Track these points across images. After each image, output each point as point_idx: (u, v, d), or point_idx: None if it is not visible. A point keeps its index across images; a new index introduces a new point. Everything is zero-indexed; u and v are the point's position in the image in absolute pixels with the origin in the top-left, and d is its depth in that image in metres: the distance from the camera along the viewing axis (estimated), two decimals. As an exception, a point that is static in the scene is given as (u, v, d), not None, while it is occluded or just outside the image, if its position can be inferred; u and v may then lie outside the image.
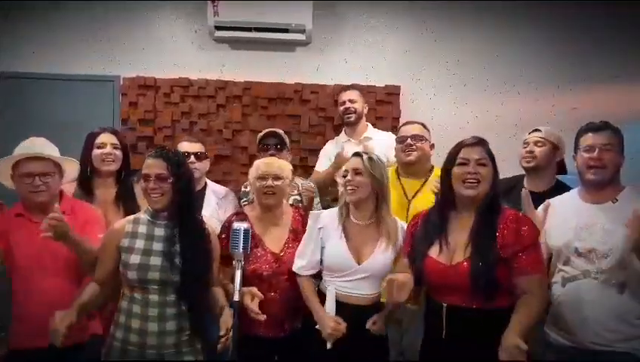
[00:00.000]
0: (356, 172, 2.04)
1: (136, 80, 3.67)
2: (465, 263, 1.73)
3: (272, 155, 2.62)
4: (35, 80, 3.59)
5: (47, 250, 2.02)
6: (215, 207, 2.60)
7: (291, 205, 2.42)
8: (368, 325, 1.96)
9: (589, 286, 1.90)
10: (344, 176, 2.06)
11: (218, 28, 3.54)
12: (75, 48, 3.67)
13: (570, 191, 2.13)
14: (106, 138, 2.47)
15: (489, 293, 1.68)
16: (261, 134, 2.85)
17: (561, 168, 2.54)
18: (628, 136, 2.02)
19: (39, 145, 2.10)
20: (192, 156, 2.66)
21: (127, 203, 2.38)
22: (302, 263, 2.09)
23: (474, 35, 3.79)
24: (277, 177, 2.21)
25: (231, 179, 3.49)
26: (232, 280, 1.84)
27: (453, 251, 1.78)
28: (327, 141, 3.40)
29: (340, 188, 2.14)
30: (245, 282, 1.99)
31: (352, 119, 3.22)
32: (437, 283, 1.79)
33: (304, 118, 3.73)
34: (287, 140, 2.82)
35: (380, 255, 2.02)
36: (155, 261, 1.88)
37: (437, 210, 1.89)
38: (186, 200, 1.95)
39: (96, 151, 2.44)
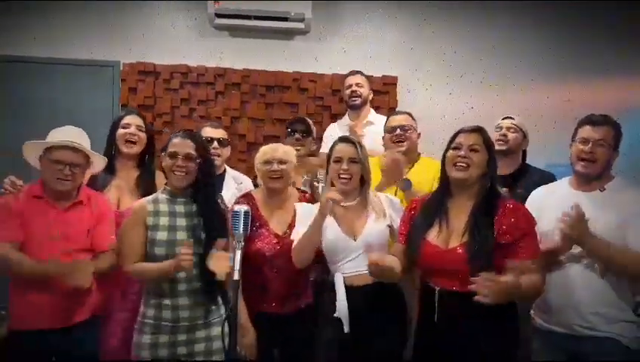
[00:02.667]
0: (352, 160, 2.06)
1: (135, 66, 3.68)
2: (461, 248, 1.74)
3: (297, 140, 2.73)
4: (35, 64, 3.58)
5: (61, 234, 2.04)
6: (235, 192, 2.62)
7: (299, 189, 2.43)
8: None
9: (574, 271, 1.93)
10: (336, 162, 2.07)
11: (218, 15, 3.56)
12: (75, 33, 3.67)
13: (562, 179, 2.18)
14: (131, 119, 2.47)
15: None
16: (290, 120, 2.93)
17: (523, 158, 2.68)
18: (624, 128, 2.06)
19: (76, 136, 2.12)
20: (215, 142, 2.69)
21: (146, 187, 2.37)
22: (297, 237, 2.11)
23: (471, 26, 3.82)
24: (282, 161, 2.24)
25: (229, 165, 3.36)
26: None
27: (450, 235, 1.79)
28: (325, 129, 3.42)
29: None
30: (249, 261, 2.05)
31: (357, 102, 3.23)
32: (432, 267, 1.80)
33: (302, 107, 3.73)
34: (314, 129, 2.89)
35: (373, 225, 2.04)
36: (181, 235, 1.95)
37: (435, 195, 1.90)
38: (206, 181, 2.03)
39: (120, 131, 2.44)
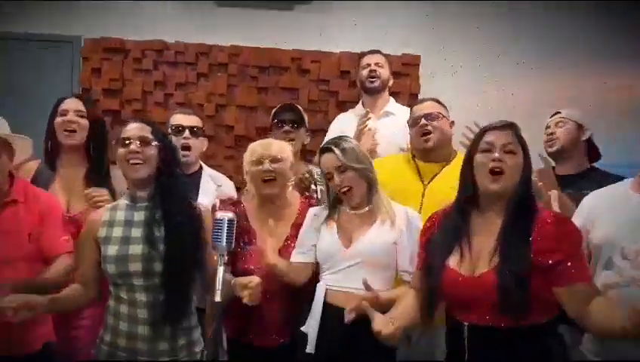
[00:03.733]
0: (339, 169, 2.08)
1: (100, 42, 3.69)
2: (491, 274, 1.71)
3: (287, 133, 2.73)
4: (-20, 39, 3.65)
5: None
6: (215, 195, 2.64)
7: (306, 195, 2.47)
8: (347, 316, 1.92)
9: (635, 297, 1.82)
10: (329, 179, 2.12)
11: None
12: (27, 2, 3.65)
13: (622, 181, 2.13)
14: (69, 104, 2.44)
15: (520, 309, 1.66)
16: (276, 108, 2.91)
17: (595, 154, 2.67)
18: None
19: None
20: (187, 131, 2.69)
21: (98, 184, 2.36)
22: (299, 250, 2.16)
23: None
24: (276, 159, 2.24)
25: (213, 165, 3.37)
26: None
27: (477, 260, 1.77)
28: (332, 120, 3.39)
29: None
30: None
31: (376, 84, 3.20)
32: (457, 299, 1.79)
33: (303, 92, 3.72)
34: (305, 117, 2.87)
35: (373, 236, 2.05)
36: (135, 249, 1.92)
37: (456, 209, 1.87)
38: (169, 173, 2.00)
39: (58, 120, 2.41)
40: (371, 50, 3.35)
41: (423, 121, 2.50)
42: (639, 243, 1.89)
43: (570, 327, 1.90)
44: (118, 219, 1.98)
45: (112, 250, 1.92)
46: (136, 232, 1.94)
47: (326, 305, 2.02)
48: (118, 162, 1.99)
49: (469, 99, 3.61)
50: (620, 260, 1.91)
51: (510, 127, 1.80)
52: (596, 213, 2.03)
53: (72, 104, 2.44)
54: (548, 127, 2.67)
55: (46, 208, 2.12)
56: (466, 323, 1.75)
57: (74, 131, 2.41)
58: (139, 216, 1.97)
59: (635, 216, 1.93)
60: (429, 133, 2.49)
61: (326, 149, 2.14)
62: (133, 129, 1.97)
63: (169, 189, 1.98)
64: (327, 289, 2.04)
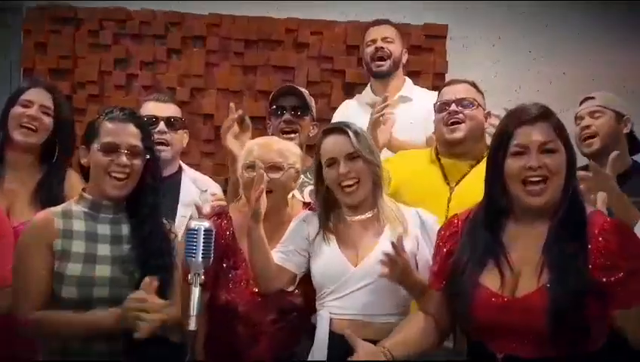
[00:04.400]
0: (351, 157, 2.05)
1: (46, 10, 3.62)
2: (539, 294, 1.68)
3: (288, 123, 2.68)
4: None
5: None
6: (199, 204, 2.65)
7: (306, 203, 2.47)
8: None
9: None
10: (330, 166, 2.07)
11: None
12: None
13: None
14: (35, 95, 2.41)
15: (575, 337, 1.64)
16: (274, 92, 2.89)
17: (636, 147, 2.68)
18: None
19: None
20: (162, 123, 2.65)
21: (51, 193, 2.34)
22: (281, 249, 2.11)
23: None
24: (276, 166, 2.19)
25: (188, 164, 3.23)
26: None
27: (518, 277, 1.73)
28: (335, 108, 3.33)
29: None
30: (213, 310, 2.11)
31: (384, 67, 3.10)
32: (492, 325, 1.74)
33: (300, 72, 3.61)
34: (312, 103, 2.83)
35: (385, 248, 1.97)
36: (103, 271, 1.90)
37: (487, 214, 1.84)
38: (154, 189, 2.01)
39: (17, 110, 2.38)
40: (377, 21, 3.28)
41: (454, 106, 2.46)
42: None
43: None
44: (76, 230, 1.93)
45: (73, 269, 1.88)
46: (103, 249, 1.93)
47: (332, 336, 1.99)
48: (95, 170, 1.96)
49: (510, 79, 3.56)
50: None
51: (545, 117, 1.74)
52: None
53: (39, 96, 2.41)
54: (580, 117, 2.62)
55: None
56: (500, 355, 1.71)
57: (34, 130, 2.38)
58: (103, 229, 1.96)
59: None
60: (460, 122, 2.46)
61: (335, 130, 2.11)
62: (121, 133, 1.94)
63: (153, 206, 1.99)
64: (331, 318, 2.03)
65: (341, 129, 2.11)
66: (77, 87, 3.57)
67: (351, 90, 3.47)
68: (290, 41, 3.59)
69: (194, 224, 1.81)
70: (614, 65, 3.61)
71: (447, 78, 3.41)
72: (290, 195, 2.33)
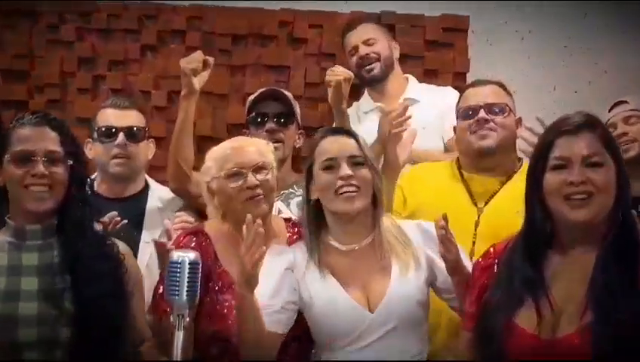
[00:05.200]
0: (354, 161, 2.06)
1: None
2: (582, 335, 1.67)
3: (271, 133, 2.74)
4: None
5: None
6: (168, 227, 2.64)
7: (292, 220, 2.48)
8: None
9: None
10: (327, 169, 2.06)
11: None
12: None
13: None
14: None
15: None
16: (253, 96, 2.94)
17: None
18: None
19: None
20: (122, 134, 2.64)
21: None
22: (271, 312, 2.06)
23: None
24: (260, 167, 2.23)
25: (164, 180, 3.18)
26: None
27: (560, 316, 1.73)
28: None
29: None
30: (199, 343, 2.09)
31: (376, 72, 3.14)
32: None
33: (296, 72, 3.58)
34: (297, 108, 2.91)
35: (401, 287, 2.04)
36: (28, 308, 1.87)
37: (525, 244, 1.84)
38: (82, 199, 2.02)
39: None
40: (351, 22, 3.29)
41: (482, 113, 2.45)
42: None
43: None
44: None
45: None
46: (28, 283, 1.91)
47: None
48: (10, 186, 1.95)
49: (542, 79, 3.56)
50: None
51: (591, 127, 1.76)
52: None
53: None
54: (612, 125, 2.61)
55: None
56: None
57: None
58: (29, 259, 1.94)
59: None
60: (491, 130, 2.46)
61: (337, 131, 2.17)
62: (34, 139, 1.94)
63: (80, 222, 1.97)
64: None
65: (345, 131, 2.14)
66: (34, 90, 3.53)
67: (356, 93, 3.36)
68: (285, 35, 3.56)
69: (176, 256, 1.77)
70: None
71: (470, 78, 3.40)
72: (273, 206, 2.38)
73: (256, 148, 2.30)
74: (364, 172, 2.07)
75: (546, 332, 1.73)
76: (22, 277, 1.92)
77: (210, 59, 2.75)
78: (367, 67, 3.14)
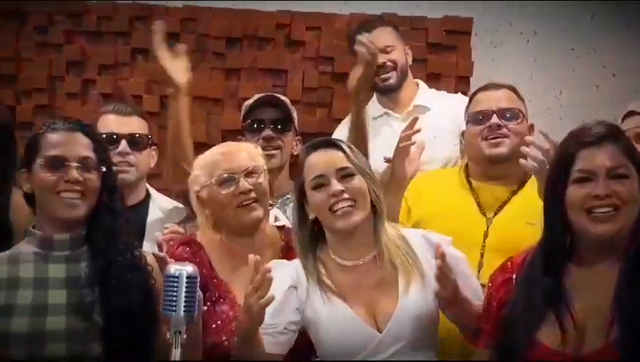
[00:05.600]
0: (344, 173, 2.03)
1: None
2: (607, 352, 1.67)
3: (267, 141, 2.77)
4: None
5: None
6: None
7: (285, 227, 2.48)
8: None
9: None
10: (317, 188, 2.03)
11: None
12: None
13: None
14: None
15: None
16: (249, 102, 2.96)
17: None
18: None
19: None
20: (124, 141, 2.65)
21: None
22: (273, 332, 2.03)
23: None
24: (251, 172, 2.23)
25: (159, 189, 3.15)
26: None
27: (583, 332, 1.72)
28: (338, 120, 3.31)
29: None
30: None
31: (392, 81, 3.10)
32: None
33: (294, 76, 3.56)
34: (294, 114, 2.94)
35: (409, 303, 2.01)
36: (56, 323, 1.87)
37: (545, 257, 1.84)
38: (112, 209, 2.01)
39: None
40: (367, 24, 3.24)
41: (495, 119, 2.44)
42: None
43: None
44: (23, 277, 1.93)
45: (17, 324, 1.86)
46: (56, 296, 1.91)
47: None
48: (41, 193, 1.96)
49: (549, 82, 3.56)
50: None
51: (614, 138, 1.77)
52: None
53: None
54: None
55: None
56: None
57: None
58: (56, 270, 1.94)
59: None
60: (503, 137, 2.44)
61: (321, 144, 2.12)
62: (72, 145, 1.95)
63: (110, 231, 1.98)
64: None
65: (329, 142, 2.12)
66: (21, 95, 3.56)
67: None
68: (282, 38, 3.55)
69: (173, 269, 1.76)
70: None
71: (473, 81, 3.45)
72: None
73: (245, 152, 2.30)
74: (357, 182, 2.04)
75: (571, 348, 1.72)
76: (49, 290, 1.92)
77: (181, 46, 2.74)
78: (383, 76, 3.10)
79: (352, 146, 2.16)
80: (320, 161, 2.07)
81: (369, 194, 2.06)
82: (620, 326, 1.66)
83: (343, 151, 2.08)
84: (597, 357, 1.69)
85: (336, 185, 2.01)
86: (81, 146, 1.96)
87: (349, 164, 2.05)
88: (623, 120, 2.71)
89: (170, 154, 2.80)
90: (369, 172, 2.13)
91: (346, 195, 2.00)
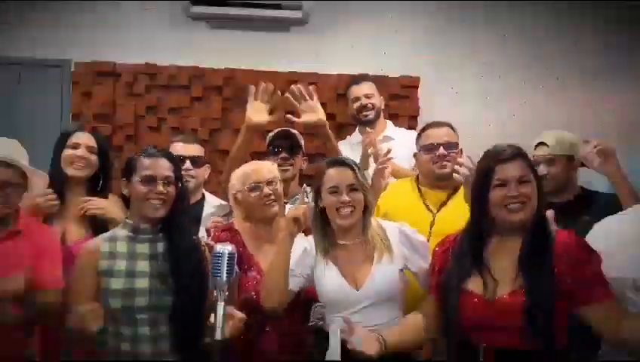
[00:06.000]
0: (351, 188, 2.16)
1: (91, 65, 3.88)
2: (514, 296, 1.84)
3: (284, 160, 2.92)
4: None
5: None
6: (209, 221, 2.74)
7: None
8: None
9: None
10: (332, 193, 2.16)
11: (194, 2, 3.80)
12: (14, 25, 3.86)
13: (633, 207, 2.24)
14: (81, 138, 2.60)
15: (548, 331, 1.78)
16: (272, 134, 3.05)
17: None
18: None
19: (9, 149, 2.22)
20: (188, 161, 2.89)
21: (99, 220, 2.52)
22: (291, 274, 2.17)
23: (513, 12, 4.01)
24: (271, 181, 2.44)
25: (209, 191, 3.44)
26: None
27: (497, 282, 1.90)
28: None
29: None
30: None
31: (371, 117, 3.41)
32: (477, 323, 1.89)
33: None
34: (302, 143, 3.04)
35: (381, 272, 2.16)
36: (142, 284, 2.05)
37: (472, 233, 2.00)
38: (183, 210, 2.19)
39: (67, 152, 2.56)
40: (357, 78, 3.50)
41: (442, 150, 2.66)
42: None
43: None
44: (119, 251, 2.09)
45: (116, 283, 2.04)
46: (142, 265, 2.08)
47: (344, 350, 2.01)
48: (136, 198, 2.13)
49: (471, 119, 3.82)
50: (633, 294, 2.02)
51: (520, 156, 1.92)
52: (611, 245, 2.05)
53: (84, 139, 2.61)
54: (536, 162, 2.57)
55: (44, 241, 2.25)
56: (482, 346, 1.89)
57: (83, 167, 2.59)
58: (142, 248, 2.11)
59: None
60: (448, 162, 2.66)
61: (339, 162, 2.22)
62: (157, 166, 2.11)
63: (182, 226, 2.15)
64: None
65: (345, 163, 2.21)
66: (116, 129, 3.88)
67: (341, 130, 3.76)
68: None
69: (219, 248, 1.93)
70: (565, 107, 4.01)
71: (419, 121, 3.85)
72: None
73: (267, 168, 2.50)
74: (359, 196, 2.17)
75: (490, 294, 1.89)
76: (137, 261, 2.10)
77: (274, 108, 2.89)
78: (364, 113, 3.42)
79: (359, 165, 2.27)
80: (336, 175, 2.19)
81: (364, 201, 2.18)
82: (523, 277, 1.84)
83: (353, 169, 2.18)
84: (507, 298, 1.85)
85: (345, 197, 2.15)
86: (165, 168, 2.13)
87: (355, 181, 2.17)
88: (535, 147, 2.77)
89: (230, 161, 2.89)
90: (366, 185, 2.21)
91: (349, 204, 2.16)
